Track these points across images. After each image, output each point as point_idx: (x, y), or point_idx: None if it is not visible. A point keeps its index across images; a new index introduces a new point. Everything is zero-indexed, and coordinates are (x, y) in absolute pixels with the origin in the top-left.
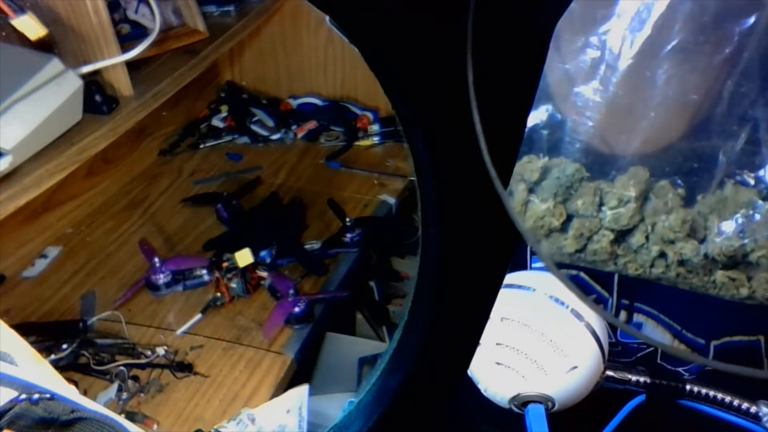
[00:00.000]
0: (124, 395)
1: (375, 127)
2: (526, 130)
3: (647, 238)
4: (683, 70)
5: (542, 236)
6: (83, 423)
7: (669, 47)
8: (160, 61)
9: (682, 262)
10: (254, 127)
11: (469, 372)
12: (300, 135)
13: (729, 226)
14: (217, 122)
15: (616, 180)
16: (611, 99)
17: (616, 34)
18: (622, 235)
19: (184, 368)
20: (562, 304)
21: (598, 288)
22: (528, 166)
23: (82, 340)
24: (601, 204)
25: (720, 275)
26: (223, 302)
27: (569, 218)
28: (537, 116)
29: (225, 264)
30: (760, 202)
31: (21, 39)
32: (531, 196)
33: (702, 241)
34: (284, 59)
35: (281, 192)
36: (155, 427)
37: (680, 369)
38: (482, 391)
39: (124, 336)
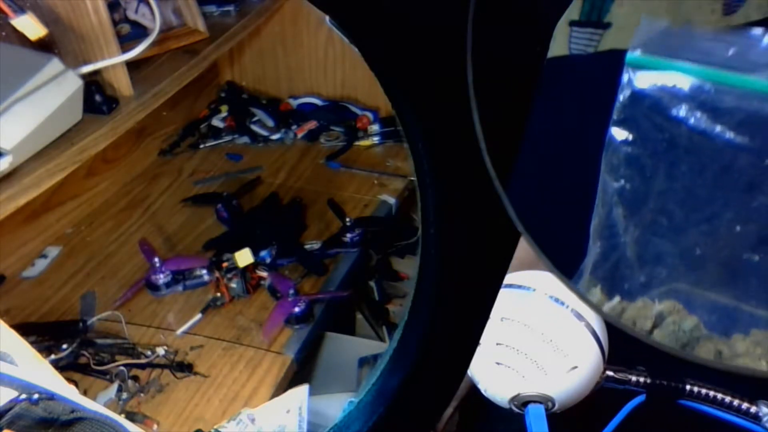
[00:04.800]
0: (124, 395)
1: (375, 127)
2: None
3: None
4: None
5: None
6: (83, 423)
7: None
8: (160, 61)
9: None
10: (254, 127)
11: (469, 372)
12: (300, 135)
13: None
14: (217, 122)
15: (734, 338)
16: None
17: None
18: None
19: (184, 368)
20: (562, 304)
21: None
22: (642, 312)
23: (82, 340)
24: None
25: None
26: (223, 302)
27: None
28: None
29: (225, 264)
30: None
31: (21, 39)
32: None
33: None
34: (284, 59)
35: (281, 192)
36: (155, 427)
37: None
38: (482, 391)
39: (124, 336)
